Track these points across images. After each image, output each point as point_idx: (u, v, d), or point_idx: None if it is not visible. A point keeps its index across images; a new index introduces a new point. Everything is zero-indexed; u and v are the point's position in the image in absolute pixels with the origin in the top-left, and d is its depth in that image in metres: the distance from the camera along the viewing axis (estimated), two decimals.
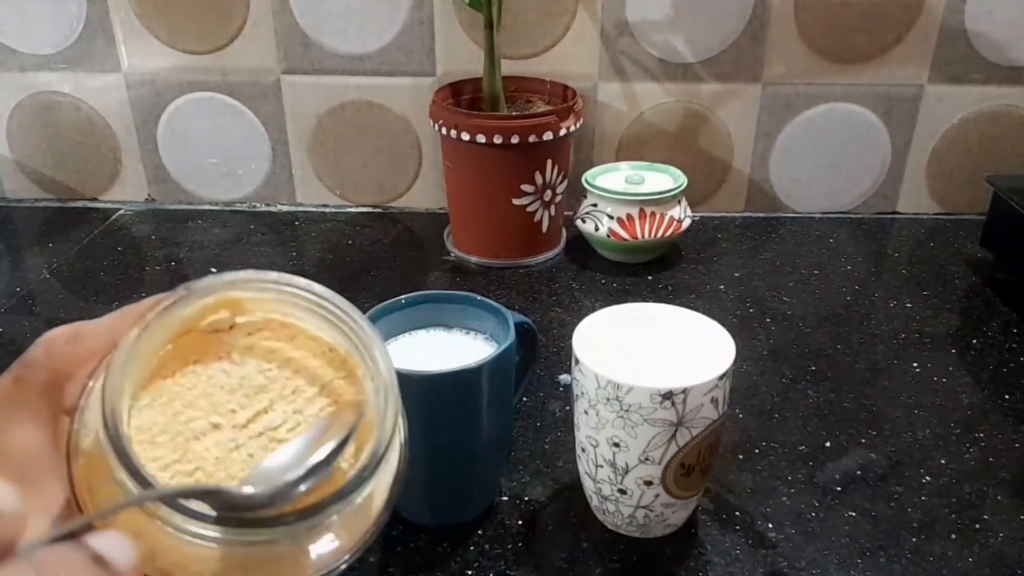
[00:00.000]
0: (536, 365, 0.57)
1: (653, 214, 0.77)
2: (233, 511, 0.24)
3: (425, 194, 0.93)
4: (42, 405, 0.27)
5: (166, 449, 0.26)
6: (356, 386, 0.29)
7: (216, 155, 0.93)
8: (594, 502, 0.50)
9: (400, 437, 0.29)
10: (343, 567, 0.27)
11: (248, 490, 0.24)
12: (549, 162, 0.77)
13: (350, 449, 0.28)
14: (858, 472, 0.54)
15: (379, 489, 0.28)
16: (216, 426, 0.27)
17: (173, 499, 0.24)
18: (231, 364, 0.28)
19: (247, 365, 0.28)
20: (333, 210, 0.94)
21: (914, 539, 0.49)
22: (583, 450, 0.48)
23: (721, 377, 0.44)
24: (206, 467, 0.26)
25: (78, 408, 0.26)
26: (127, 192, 0.95)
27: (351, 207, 0.94)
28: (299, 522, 0.25)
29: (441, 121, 0.76)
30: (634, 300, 0.56)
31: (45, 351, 0.27)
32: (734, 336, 0.46)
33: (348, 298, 0.29)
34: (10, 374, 0.27)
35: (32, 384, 0.27)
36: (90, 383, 0.27)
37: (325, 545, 0.26)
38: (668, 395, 0.43)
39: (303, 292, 0.28)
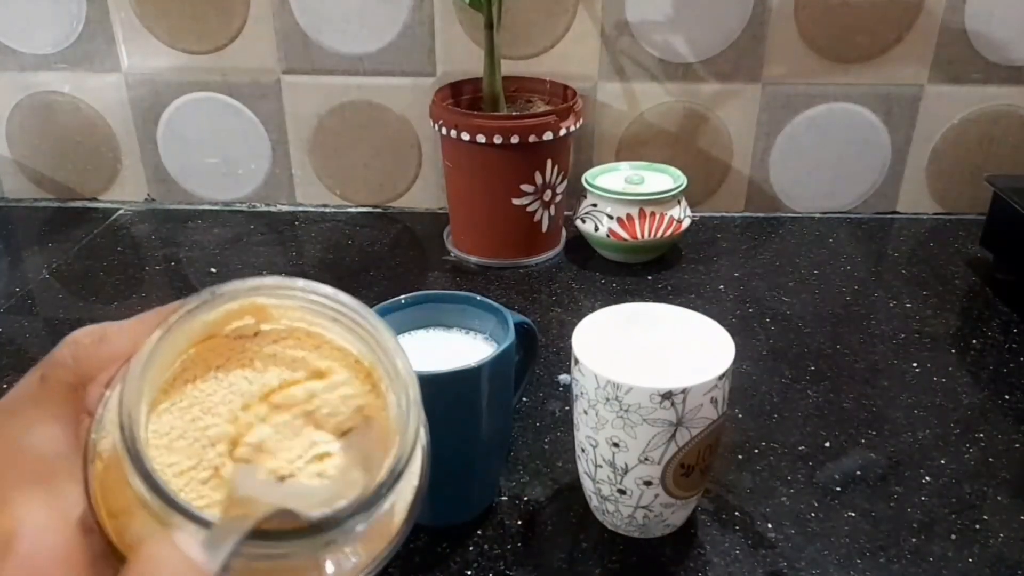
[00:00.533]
0: (536, 365, 0.57)
1: (653, 214, 0.77)
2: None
3: (425, 194, 0.93)
4: (65, 405, 0.26)
5: (183, 455, 0.25)
6: (380, 400, 0.28)
7: (216, 155, 0.93)
8: (593, 502, 0.50)
9: (421, 451, 0.28)
10: None
11: (317, 513, 0.24)
12: (549, 162, 0.77)
13: (371, 462, 0.27)
14: (858, 472, 0.54)
15: (399, 506, 0.27)
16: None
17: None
18: (253, 372, 0.28)
19: (269, 373, 0.28)
20: (333, 210, 0.94)
21: (914, 539, 0.49)
22: (582, 450, 0.48)
23: (721, 377, 0.44)
24: (221, 474, 0.26)
25: (95, 417, 0.26)
26: (127, 192, 0.95)
27: (351, 207, 0.94)
28: (316, 535, 0.24)
29: (441, 121, 0.76)
30: (634, 300, 0.55)
31: (70, 351, 0.27)
32: (734, 336, 0.46)
33: None
34: (36, 373, 0.27)
35: (56, 384, 0.27)
36: (107, 392, 0.26)
37: (342, 562, 0.26)
38: (668, 395, 0.43)
39: (329, 301, 0.28)
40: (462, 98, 0.83)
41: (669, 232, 0.77)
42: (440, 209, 0.93)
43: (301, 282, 0.28)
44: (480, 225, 0.81)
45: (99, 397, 0.26)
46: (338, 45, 0.86)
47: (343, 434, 0.28)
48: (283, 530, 0.24)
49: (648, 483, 0.46)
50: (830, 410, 0.60)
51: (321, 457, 0.27)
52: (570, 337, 0.47)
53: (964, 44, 0.83)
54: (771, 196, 0.91)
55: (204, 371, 0.27)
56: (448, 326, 0.52)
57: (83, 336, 0.27)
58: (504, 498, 0.52)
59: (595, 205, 0.79)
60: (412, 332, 0.51)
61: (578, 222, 0.80)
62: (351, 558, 0.26)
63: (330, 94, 0.89)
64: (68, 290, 0.78)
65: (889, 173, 0.90)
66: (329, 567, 0.26)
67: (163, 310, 0.28)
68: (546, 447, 0.57)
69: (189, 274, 0.81)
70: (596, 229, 0.78)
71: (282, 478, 0.26)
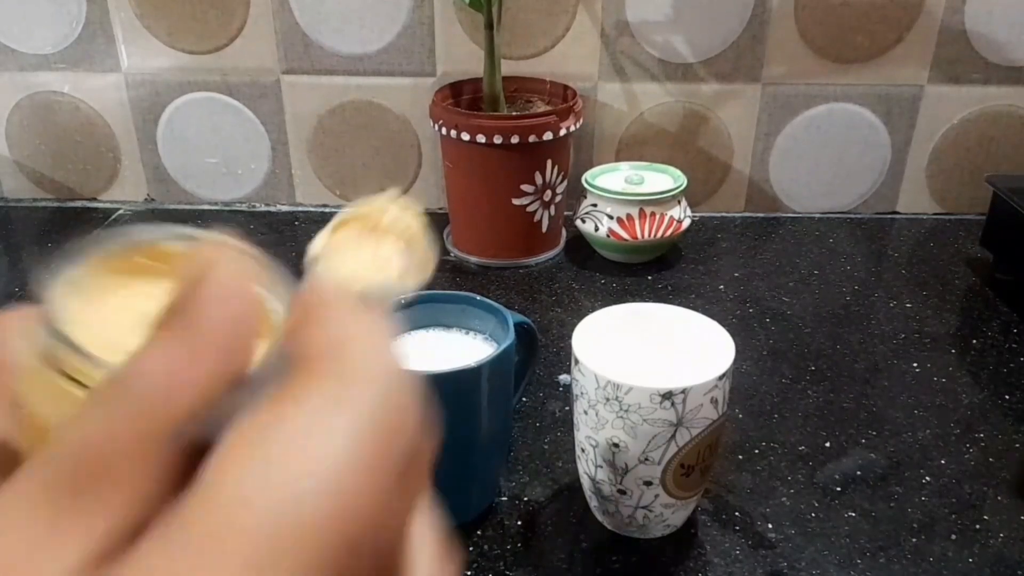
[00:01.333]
0: (536, 365, 0.57)
1: (653, 214, 0.77)
2: None
3: (425, 194, 0.93)
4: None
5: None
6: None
7: (216, 155, 0.92)
8: (594, 502, 0.50)
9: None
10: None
11: None
12: (549, 162, 0.77)
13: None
14: (858, 472, 0.54)
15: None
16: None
17: None
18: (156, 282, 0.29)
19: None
20: (333, 210, 0.94)
21: (914, 539, 0.49)
22: (583, 450, 0.48)
23: (721, 377, 0.44)
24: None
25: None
26: (126, 192, 0.95)
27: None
28: None
29: (441, 121, 0.76)
30: (634, 300, 0.56)
31: None
32: (734, 336, 0.46)
33: None
34: None
35: None
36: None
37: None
38: (668, 395, 0.43)
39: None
40: (462, 98, 0.83)
41: (669, 232, 0.77)
42: (440, 209, 0.93)
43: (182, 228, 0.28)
44: (480, 225, 0.81)
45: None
46: (338, 45, 0.86)
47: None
48: None
49: (648, 483, 0.46)
50: (830, 410, 0.60)
51: (384, 262, 0.27)
52: (570, 337, 0.47)
53: (964, 44, 0.83)
54: (771, 196, 0.91)
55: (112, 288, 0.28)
56: (448, 326, 0.52)
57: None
58: (504, 498, 0.52)
59: (595, 205, 0.79)
60: (412, 332, 0.51)
61: (578, 222, 0.80)
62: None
63: (330, 94, 0.89)
64: None
65: (889, 173, 0.90)
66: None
67: None
68: (546, 447, 0.57)
69: None
70: (596, 229, 0.78)
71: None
